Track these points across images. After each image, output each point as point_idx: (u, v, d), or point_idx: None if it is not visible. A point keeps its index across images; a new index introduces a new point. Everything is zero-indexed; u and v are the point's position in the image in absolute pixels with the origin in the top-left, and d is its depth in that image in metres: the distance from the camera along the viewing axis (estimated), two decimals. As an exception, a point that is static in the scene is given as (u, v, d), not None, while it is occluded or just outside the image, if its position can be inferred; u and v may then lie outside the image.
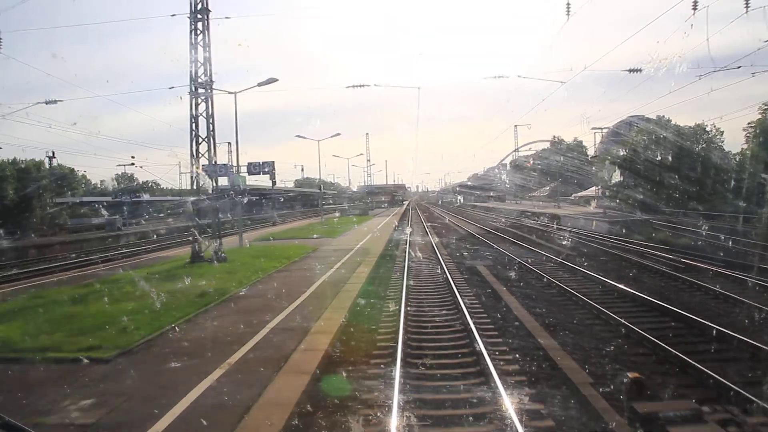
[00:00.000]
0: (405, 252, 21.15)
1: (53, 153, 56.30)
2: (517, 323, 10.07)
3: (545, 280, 14.83)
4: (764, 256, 16.23)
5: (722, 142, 48.90)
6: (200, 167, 17.63)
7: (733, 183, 34.30)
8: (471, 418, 6.15)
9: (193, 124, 17.29)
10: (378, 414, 6.20)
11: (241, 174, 21.36)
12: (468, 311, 10.70)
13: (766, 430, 4.41)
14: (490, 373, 7.12)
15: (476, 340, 8.59)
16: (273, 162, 20.62)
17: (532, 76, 42.88)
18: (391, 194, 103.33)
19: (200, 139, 17.46)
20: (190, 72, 17.22)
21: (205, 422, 5.31)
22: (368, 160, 79.90)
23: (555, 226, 33.96)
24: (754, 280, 12.89)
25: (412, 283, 14.77)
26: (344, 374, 7.42)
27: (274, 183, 67.33)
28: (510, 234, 29.69)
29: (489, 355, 7.79)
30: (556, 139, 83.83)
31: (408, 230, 33.35)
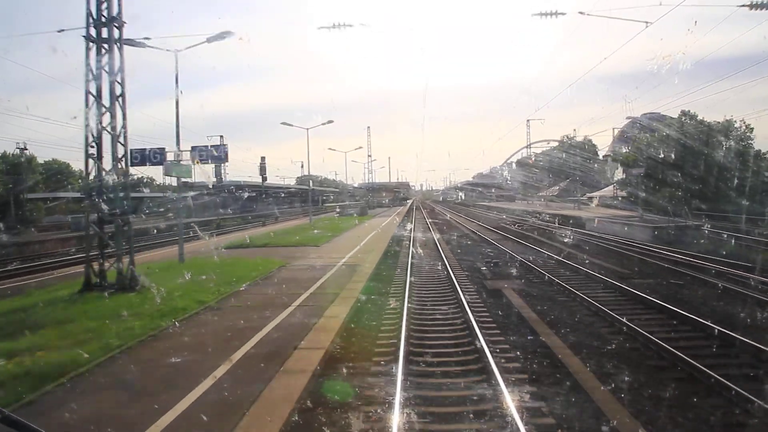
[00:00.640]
0: (406, 274, 15.19)
1: (24, 145, 50.45)
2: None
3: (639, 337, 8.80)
4: None
5: (752, 140, 43.29)
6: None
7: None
8: None
9: (92, 86, 11.35)
10: None
11: (183, 161, 15.29)
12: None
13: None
14: None
15: None
16: (226, 145, 14.94)
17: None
18: (394, 192, 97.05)
19: (104, 109, 11.52)
20: (87, 4, 11.31)
21: None
22: (369, 156, 73.78)
23: (593, 233, 27.86)
24: None
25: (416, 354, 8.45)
26: None
27: (264, 179, 61.70)
28: (542, 246, 23.68)
29: None
30: (566, 138, 79.23)
31: (411, 234, 27.41)
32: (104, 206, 11.20)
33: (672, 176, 37.69)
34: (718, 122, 45.79)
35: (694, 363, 7.14)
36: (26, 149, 54.12)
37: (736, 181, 33.20)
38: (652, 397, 6.36)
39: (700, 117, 55.03)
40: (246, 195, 68.42)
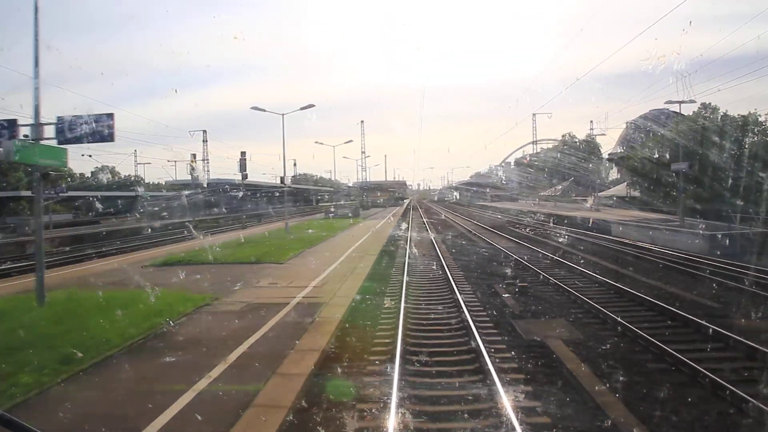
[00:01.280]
0: (397, 325, 9.26)
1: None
2: None
3: None
4: None
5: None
6: None
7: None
8: None
9: None
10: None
11: (45, 140, 9.34)
12: None
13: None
14: None
15: None
16: (111, 114, 9.60)
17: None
18: (390, 191, 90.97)
19: None
20: None
21: None
22: (363, 152, 67.74)
23: (640, 246, 21.89)
24: None
25: None
26: None
27: (244, 176, 55.72)
28: (578, 261, 17.82)
29: None
30: (568, 136, 74.40)
31: (407, 244, 21.55)
32: None
33: (710, 174, 31.97)
34: (743, 116, 40.47)
35: None
36: None
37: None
38: None
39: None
40: (232, 194, 62.90)
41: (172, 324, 8.45)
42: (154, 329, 8.07)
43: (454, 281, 13.32)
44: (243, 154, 49.10)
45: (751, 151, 31.43)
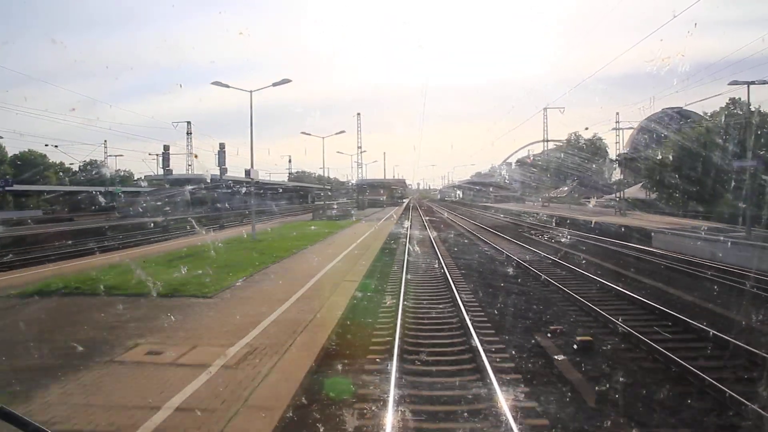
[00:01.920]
0: None
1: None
2: None
3: None
4: None
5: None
6: None
7: None
8: None
9: None
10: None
11: None
12: None
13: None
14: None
15: None
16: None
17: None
18: (389, 190, 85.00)
19: None
20: None
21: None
22: (359, 147, 61.94)
23: (713, 265, 16.00)
24: None
25: None
26: None
27: (223, 170, 50.07)
28: (659, 298, 12.08)
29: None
30: (573, 136, 69.79)
31: (403, 272, 15.92)
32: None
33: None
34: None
35: None
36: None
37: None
38: None
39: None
40: (216, 191, 57.12)
41: None
42: None
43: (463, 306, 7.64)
44: (222, 146, 43.46)
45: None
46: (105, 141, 68.48)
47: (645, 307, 10.34)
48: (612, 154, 69.95)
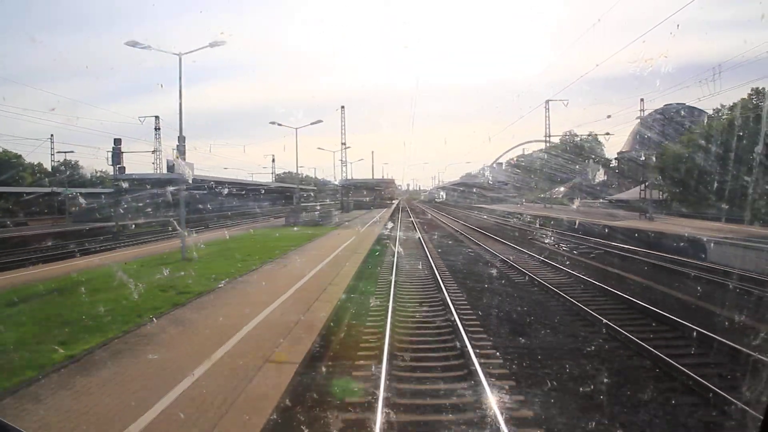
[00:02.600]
0: None
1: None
2: None
3: None
4: None
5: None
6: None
7: None
8: None
9: None
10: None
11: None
12: None
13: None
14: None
15: None
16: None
17: None
18: (377, 191, 79.05)
19: None
20: None
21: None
22: (343, 144, 56.01)
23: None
24: None
25: None
26: None
27: (121, 170, 43.25)
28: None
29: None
30: (568, 134, 65.66)
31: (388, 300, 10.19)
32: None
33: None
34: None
35: None
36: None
37: None
38: None
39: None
40: (184, 192, 50.56)
41: None
42: None
43: None
44: (117, 141, 36.63)
45: None
46: (51, 135, 61.68)
47: None
48: (609, 153, 66.63)
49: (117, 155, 36.50)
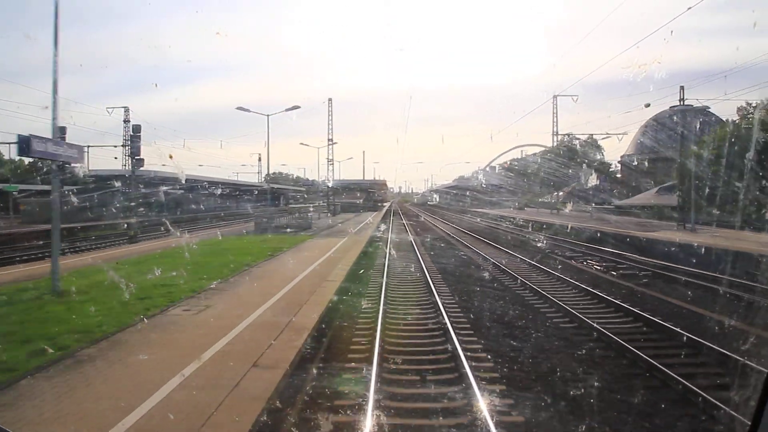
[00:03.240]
0: None
1: None
2: None
3: None
4: None
5: None
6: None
7: None
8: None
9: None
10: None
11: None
12: None
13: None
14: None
15: None
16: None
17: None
18: (368, 193, 73.58)
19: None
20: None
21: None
22: (330, 139, 50.53)
23: None
24: None
25: None
26: None
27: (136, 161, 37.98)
28: None
29: None
30: (567, 137, 61.25)
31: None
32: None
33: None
34: None
35: None
36: None
37: None
38: None
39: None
40: (154, 191, 44.72)
41: None
42: None
43: None
44: (62, 130, 31.00)
45: None
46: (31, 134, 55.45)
47: None
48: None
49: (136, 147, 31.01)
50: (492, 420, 5.17)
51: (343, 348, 7.97)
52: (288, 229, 28.50)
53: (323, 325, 8.41)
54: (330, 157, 49.90)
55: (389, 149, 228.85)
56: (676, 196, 40.30)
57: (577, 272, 15.57)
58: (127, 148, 48.66)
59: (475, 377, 6.40)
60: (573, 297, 11.86)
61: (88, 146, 48.34)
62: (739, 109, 40.89)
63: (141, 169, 42.55)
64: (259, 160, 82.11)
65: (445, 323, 8.99)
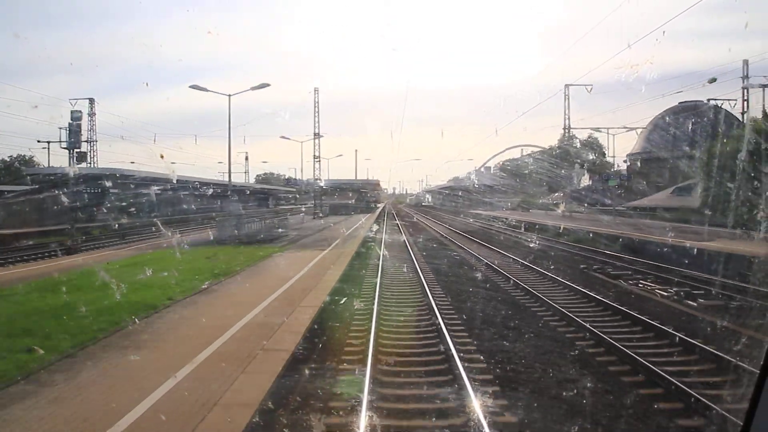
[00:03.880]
0: None
1: None
2: None
3: None
4: None
5: None
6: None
7: None
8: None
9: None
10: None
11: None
12: None
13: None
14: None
15: None
16: None
17: None
18: (360, 193, 68.60)
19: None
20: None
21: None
22: (316, 133, 45.30)
23: None
24: None
25: None
26: None
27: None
28: None
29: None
30: (566, 136, 57.96)
31: None
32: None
33: None
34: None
35: None
36: None
37: None
38: None
39: None
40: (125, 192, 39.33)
41: None
42: None
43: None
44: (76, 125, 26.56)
45: None
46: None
47: None
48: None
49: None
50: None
51: None
52: (261, 235, 23.73)
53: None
54: (317, 154, 44.76)
55: (383, 150, 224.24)
56: (699, 197, 35.59)
57: (659, 316, 10.78)
58: (93, 143, 43.60)
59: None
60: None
61: (49, 142, 43.33)
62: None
63: (102, 167, 37.55)
64: (246, 159, 77.03)
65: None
